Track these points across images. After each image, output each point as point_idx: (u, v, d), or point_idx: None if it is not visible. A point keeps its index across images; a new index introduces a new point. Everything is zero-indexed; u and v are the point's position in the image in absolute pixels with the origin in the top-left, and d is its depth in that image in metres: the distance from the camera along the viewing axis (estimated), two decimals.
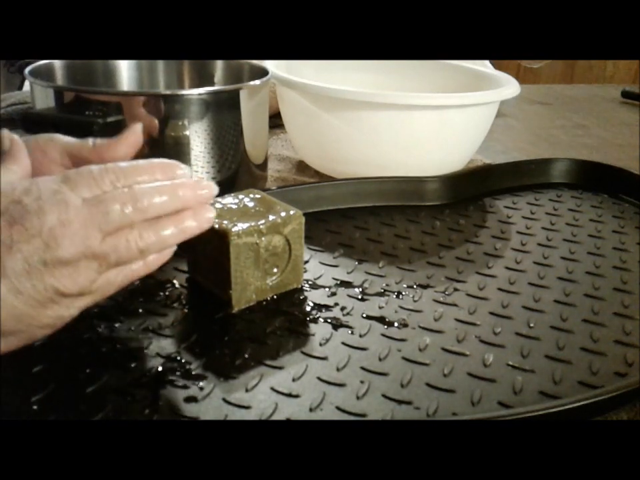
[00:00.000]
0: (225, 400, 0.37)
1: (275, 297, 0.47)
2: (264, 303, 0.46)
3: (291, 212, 0.46)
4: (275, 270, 0.46)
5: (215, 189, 0.40)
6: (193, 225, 0.38)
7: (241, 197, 0.48)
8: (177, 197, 0.37)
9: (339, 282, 0.50)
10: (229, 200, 0.48)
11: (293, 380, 0.39)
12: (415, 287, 0.50)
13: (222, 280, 0.44)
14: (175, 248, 0.39)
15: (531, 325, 0.46)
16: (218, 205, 0.47)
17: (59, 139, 0.41)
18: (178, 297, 0.47)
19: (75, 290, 0.34)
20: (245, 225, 0.44)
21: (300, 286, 0.49)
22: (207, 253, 0.45)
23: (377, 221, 0.62)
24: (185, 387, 0.38)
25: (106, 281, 0.36)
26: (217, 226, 0.44)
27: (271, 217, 0.45)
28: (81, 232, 0.33)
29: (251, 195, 0.49)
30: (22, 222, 0.32)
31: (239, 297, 0.45)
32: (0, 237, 0.32)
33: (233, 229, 0.43)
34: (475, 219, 0.64)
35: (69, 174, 0.35)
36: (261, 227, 0.44)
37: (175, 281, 0.48)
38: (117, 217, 0.35)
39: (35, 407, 0.35)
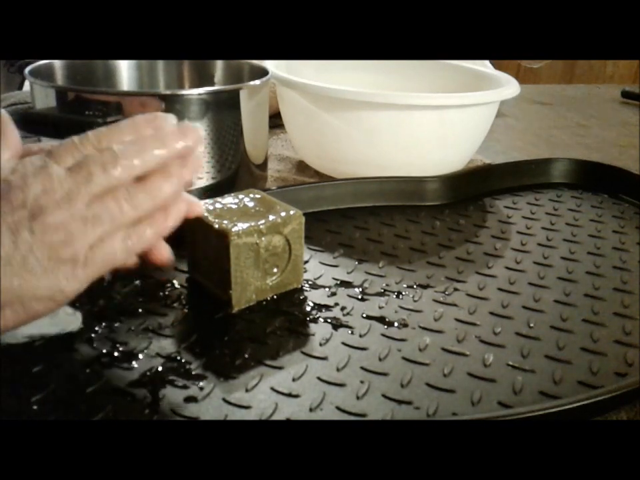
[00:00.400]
0: (225, 400, 0.37)
1: (275, 297, 0.47)
2: (264, 303, 0.46)
3: (291, 212, 0.46)
4: (275, 270, 0.46)
5: (200, 133, 0.38)
6: (185, 173, 0.37)
7: (240, 196, 0.48)
8: (160, 147, 0.36)
9: (338, 282, 0.50)
10: (229, 200, 0.48)
11: (293, 380, 0.39)
12: (414, 286, 0.50)
13: (222, 280, 0.44)
14: (180, 211, 0.38)
15: (531, 325, 0.46)
16: (218, 205, 0.47)
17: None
18: (178, 297, 0.47)
19: (68, 254, 0.33)
20: (245, 225, 0.44)
21: (300, 286, 0.49)
22: (207, 253, 0.45)
23: (376, 220, 0.62)
24: (185, 386, 0.38)
25: (107, 249, 0.34)
26: (217, 226, 0.44)
27: (271, 217, 0.45)
28: (65, 197, 0.33)
29: (251, 195, 0.49)
30: (7, 197, 0.32)
31: (239, 297, 0.45)
32: None
33: (233, 229, 0.43)
34: (475, 219, 0.64)
35: (53, 147, 0.35)
36: (261, 226, 0.44)
37: (174, 281, 0.49)
38: (101, 178, 0.34)
39: (34, 407, 0.35)
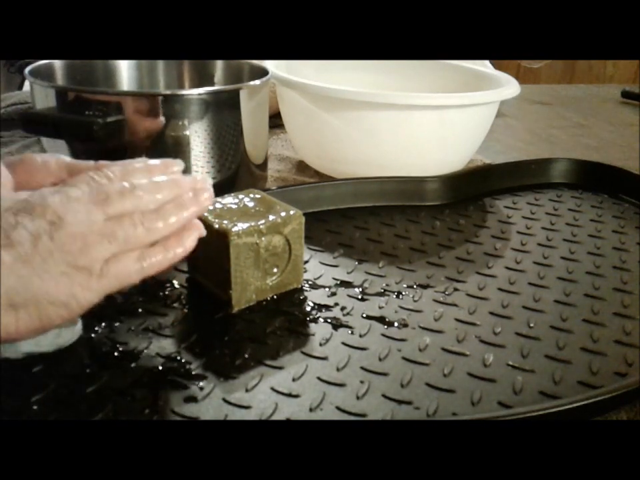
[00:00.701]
0: (225, 400, 0.37)
1: (275, 297, 0.47)
2: (264, 303, 0.46)
3: (291, 212, 0.46)
4: (275, 270, 0.46)
5: (209, 182, 0.41)
6: (194, 209, 0.39)
7: (240, 196, 0.48)
8: (174, 188, 0.38)
9: (338, 282, 0.50)
10: (229, 200, 0.48)
11: (293, 380, 0.39)
12: (415, 286, 0.50)
13: (222, 280, 0.44)
14: (193, 238, 0.39)
15: (531, 325, 0.46)
16: (218, 205, 0.47)
17: (63, 158, 0.41)
18: (178, 297, 0.47)
19: (84, 263, 0.34)
20: (245, 225, 0.44)
21: (300, 286, 0.49)
22: (207, 252, 0.45)
23: (376, 220, 0.62)
24: (185, 387, 0.38)
25: (122, 266, 0.36)
26: (217, 226, 0.44)
27: (271, 217, 0.45)
28: (83, 209, 0.35)
29: (251, 195, 0.49)
30: (25, 210, 0.34)
31: (239, 297, 0.45)
32: (1, 223, 0.33)
33: (233, 229, 0.43)
34: (475, 219, 0.64)
35: (67, 180, 0.37)
36: (261, 226, 0.44)
37: (174, 281, 0.49)
38: (117, 201, 0.36)
39: (34, 407, 0.35)
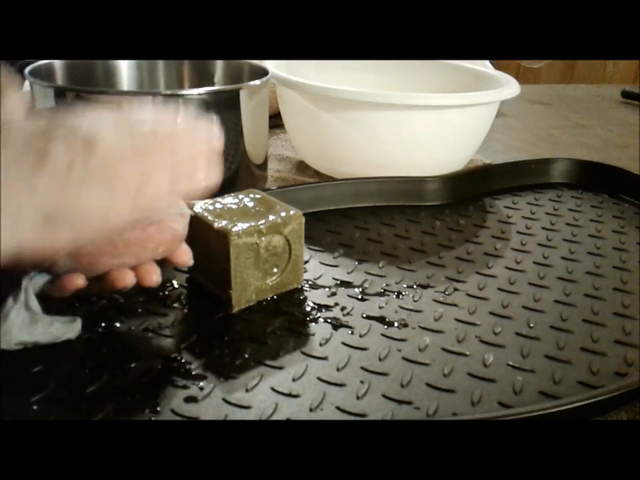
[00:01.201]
0: (225, 400, 0.37)
1: (275, 297, 0.47)
2: (264, 303, 0.46)
3: (291, 212, 0.46)
4: (275, 270, 0.47)
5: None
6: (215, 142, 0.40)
7: (240, 196, 0.48)
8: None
9: (338, 282, 0.50)
10: (229, 200, 0.48)
11: (293, 380, 0.39)
12: (415, 286, 0.50)
13: (222, 280, 0.44)
14: (216, 171, 0.39)
15: (531, 324, 0.46)
16: (218, 205, 0.47)
17: None
18: (178, 297, 0.47)
19: (122, 180, 0.34)
20: (245, 225, 0.44)
21: (300, 286, 0.49)
22: (207, 253, 0.45)
23: (377, 220, 0.62)
24: (185, 386, 0.38)
25: (154, 185, 0.36)
26: (217, 226, 0.44)
27: (271, 217, 0.45)
28: (113, 130, 0.35)
29: (251, 195, 0.49)
30: (56, 136, 0.34)
31: (239, 297, 0.45)
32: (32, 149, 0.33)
33: (233, 229, 0.43)
34: (475, 219, 0.64)
35: None
36: (261, 227, 0.44)
37: (174, 281, 0.49)
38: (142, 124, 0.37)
39: (34, 407, 0.35)
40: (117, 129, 0.35)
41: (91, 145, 0.34)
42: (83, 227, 0.34)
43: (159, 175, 0.36)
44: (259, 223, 0.45)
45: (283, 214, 0.46)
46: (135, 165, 0.35)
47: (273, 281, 0.47)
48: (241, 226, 0.44)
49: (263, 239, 0.45)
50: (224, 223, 0.44)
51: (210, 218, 0.45)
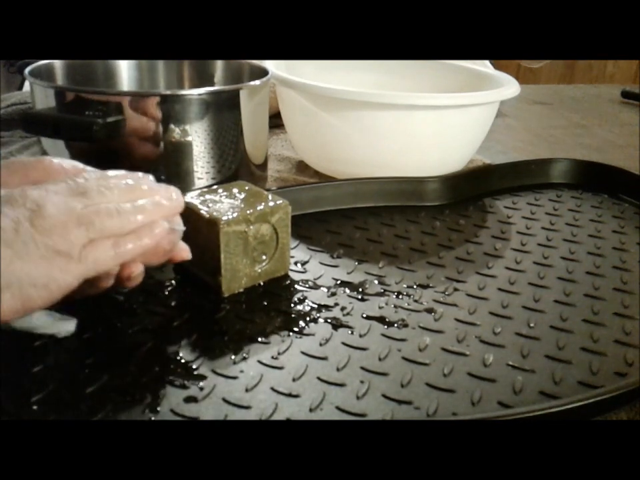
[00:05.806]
0: (225, 400, 0.37)
1: (275, 297, 0.47)
2: (264, 303, 0.46)
3: (278, 202, 0.48)
4: (264, 257, 0.48)
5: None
6: (164, 203, 0.41)
7: (230, 187, 0.50)
8: (149, 193, 0.41)
9: (338, 282, 0.50)
10: (219, 191, 0.49)
11: (293, 380, 0.39)
12: (414, 287, 0.50)
13: (212, 267, 0.46)
14: (161, 229, 0.40)
15: (531, 325, 0.46)
16: (208, 196, 0.48)
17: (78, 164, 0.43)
18: (178, 296, 0.47)
19: (63, 247, 0.36)
20: (234, 214, 0.45)
21: (287, 273, 0.50)
22: (197, 242, 0.46)
23: (377, 221, 0.62)
24: (184, 386, 0.38)
25: (99, 252, 0.38)
26: (207, 215, 0.45)
27: (259, 207, 0.47)
28: (62, 199, 0.37)
29: (240, 186, 0.50)
30: (7, 201, 0.36)
31: (229, 283, 0.46)
32: None
33: (223, 218, 0.45)
34: (475, 219, 0.64)
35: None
36: (249, 215, 0.46)
37: (174, 281, 0.49)
38: (95, 195, 0.38)
39: (34, 407, 0.35)
40: (64, 199, 0.37)
41: (36, 213, 0.36)
42: (27, 294, 0.35)
43: (103, 242, 0.38)
44: (248, 212, 0.46)
45: (270, 204, 0.48)
46: (79, 231, 0.37)
47: (262, 268, 0.48)
48: (230, 215, 0.45)
49: (252, 227, 0.46)
50: (214, 212, 0.45)
51: (200, 207, 0.46)
